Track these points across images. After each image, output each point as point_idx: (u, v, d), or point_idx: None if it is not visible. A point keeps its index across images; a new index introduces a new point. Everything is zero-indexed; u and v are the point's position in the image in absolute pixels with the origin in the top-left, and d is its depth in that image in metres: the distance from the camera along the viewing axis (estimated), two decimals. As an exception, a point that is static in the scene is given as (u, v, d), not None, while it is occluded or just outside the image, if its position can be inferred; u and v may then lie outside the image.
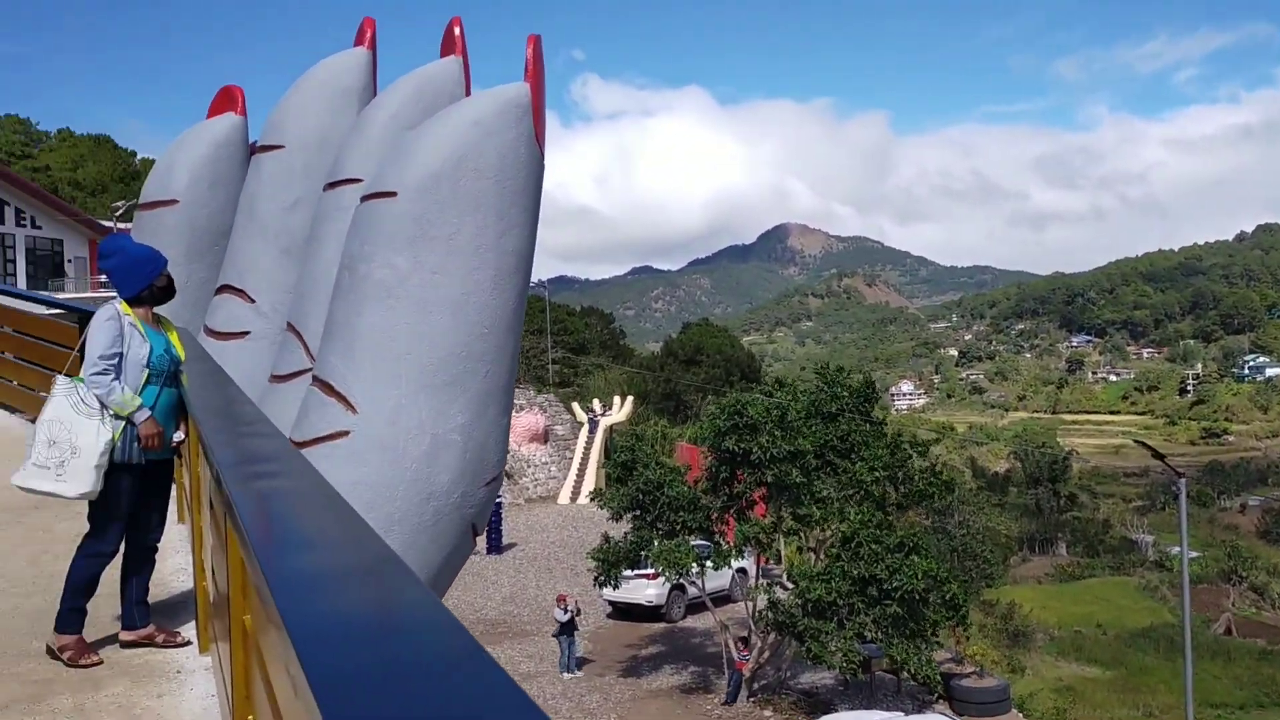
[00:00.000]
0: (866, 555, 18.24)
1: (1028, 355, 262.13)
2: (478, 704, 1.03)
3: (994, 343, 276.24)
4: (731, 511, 21.40)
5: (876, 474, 20.54)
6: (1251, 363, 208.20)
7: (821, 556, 21.01)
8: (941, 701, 21.83)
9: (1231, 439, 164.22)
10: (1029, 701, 26.42)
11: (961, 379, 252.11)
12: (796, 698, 21.48)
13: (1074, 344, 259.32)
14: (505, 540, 34.97)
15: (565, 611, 23.02)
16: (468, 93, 7.27)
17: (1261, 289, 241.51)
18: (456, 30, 7.36)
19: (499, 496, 21.68)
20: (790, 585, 20.35)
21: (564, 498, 44.97)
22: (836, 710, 19.97)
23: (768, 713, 20.57)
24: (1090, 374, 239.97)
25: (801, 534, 21.72)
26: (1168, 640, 39.24)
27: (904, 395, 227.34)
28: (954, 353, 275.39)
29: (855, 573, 18.20)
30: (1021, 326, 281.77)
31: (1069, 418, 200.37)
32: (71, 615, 4.54)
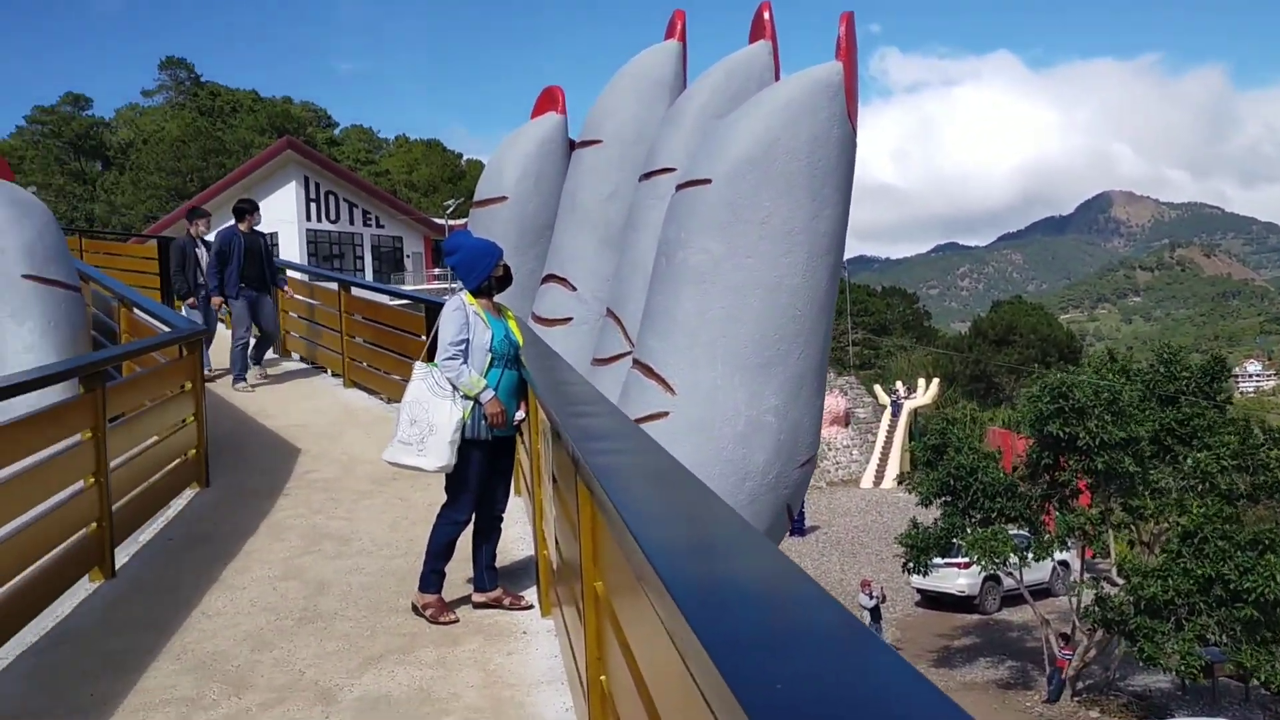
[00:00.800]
0: (1212, 552, 16.58)
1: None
2: (869, 671, 1.05)
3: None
4: (1053, 500, 20.20)
5: (1224, 463, 18.62)
6: None
7: (1157, 551, 19.38)
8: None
9: None
10: None
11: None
12: (1127, 700, 19.99)
13: None
14: (808, 523, 34.95)
15: (871, 597, 22.68)
16: (777, 77, 7.29)
17: None
18: (765, 15, 7.39)
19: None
20: (1120, 581, 18.90)
21: (866, 481, 44.29)
22: (1175, 716, 18.42)
23: (1094, 713, 19.29)
24: None
25: (1133, 526, 20.14)
26: None
27: (1250, 377, 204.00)
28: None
29: (1199, 571, 16.59)
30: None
31: None
32: (432, 577, 5.03)
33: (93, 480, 5.47)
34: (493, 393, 4.99)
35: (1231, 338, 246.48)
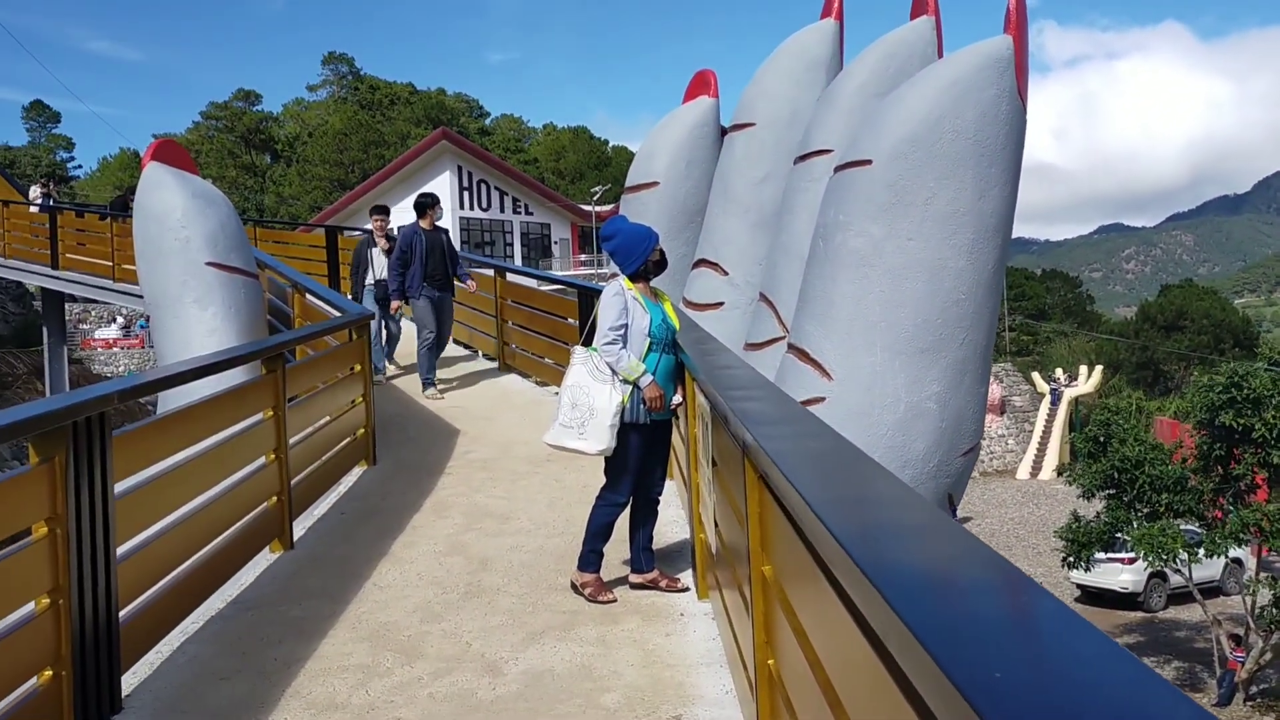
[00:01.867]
0: None
1: None
2: (1084, 657, 1.02)
3: None
4: (1226, 495, 19.09)
5: None
6: None
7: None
8: None
9: None
10: None
11: None
12: (1308, 708, 18.77)
13: None
14: (959, 514, 34.00)
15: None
16: (940, 54, 7.08)
17: None
18: (927, -11, 7.18)
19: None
20: (1300, 582, 17.74)
21: (1023, 472, 42.78)
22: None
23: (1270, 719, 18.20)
24: None
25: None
26: None
27: None
28: None
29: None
30: None
31: None
32: (591, 556, 5.12)
33: (274, 457, 5.78)
34: (651, 377, 5.04)
35: None
